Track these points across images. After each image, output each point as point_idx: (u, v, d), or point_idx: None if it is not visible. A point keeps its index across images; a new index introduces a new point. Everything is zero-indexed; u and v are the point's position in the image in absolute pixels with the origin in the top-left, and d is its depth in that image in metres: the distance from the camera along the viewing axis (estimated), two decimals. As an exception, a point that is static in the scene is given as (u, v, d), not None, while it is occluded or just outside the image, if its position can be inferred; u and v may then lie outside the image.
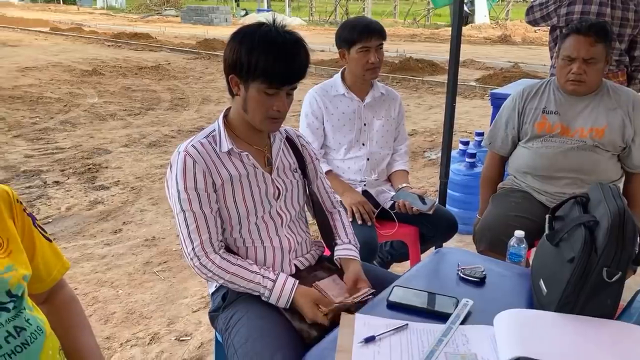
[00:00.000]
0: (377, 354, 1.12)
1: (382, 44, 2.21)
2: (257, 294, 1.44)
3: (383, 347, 1.14)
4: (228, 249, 1.50)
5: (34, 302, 1.14)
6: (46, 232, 1.22)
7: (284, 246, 1.55)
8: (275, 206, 1.54)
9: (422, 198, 2.19)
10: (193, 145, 1.45)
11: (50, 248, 1.21)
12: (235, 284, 1.44)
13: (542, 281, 1.25)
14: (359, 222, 2.14)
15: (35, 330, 1.04)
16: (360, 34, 2.15)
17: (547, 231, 1.28)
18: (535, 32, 19.07)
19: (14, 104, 7.44)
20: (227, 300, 1.50)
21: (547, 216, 1.33)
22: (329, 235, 1.69)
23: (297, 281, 1.45)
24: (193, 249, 1.43)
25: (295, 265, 1.56)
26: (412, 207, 2.16)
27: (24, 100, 7.72)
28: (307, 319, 1.40)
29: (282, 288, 1.42)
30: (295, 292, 1.42)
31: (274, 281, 1.43)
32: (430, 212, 2.15)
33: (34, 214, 1.30)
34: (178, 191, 1.42)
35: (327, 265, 1.63)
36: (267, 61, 1.34)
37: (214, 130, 1.50)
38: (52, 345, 1.07)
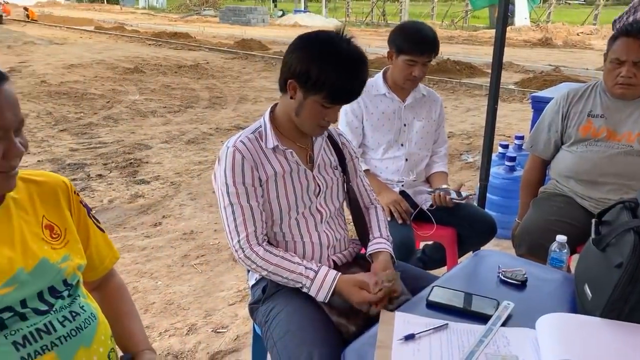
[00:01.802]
0: (417, 351, 1.13)
1: (430, 60, 2.20)
2: (299, 285, 1.45)
3: (423, 346, 1.14)
4: (272, 245, 1.53)
5: (86, 289, 1.20)
6: (99, 223, 1.27)
7: (323, 242, 1.57)
8: (315, 202, 1.56)
9: (458, 192, 2.18)
10: (241, 141, 1.48)
11: (103, 238, 1.27)
12: (278, 275, 1.46)
13: (586, 286, 1.23)
14: (399, 221, 2.15)
15: (89, 317, 1.10)
16: (412, 47, 2.14)
17: (593, 235, 1.26)
18: (577, 35, 18.58)
19: (60, 100, 7.72)
20: (266, 293, 1.53)
21: (593, 220, 1.31)
22: (364, 233, 1.70)
23: (340, 273, 1.46)
24: (239, 241, 1.46)
25: (333, 261, 1.58)
26: (447, 197, 2.14)
27: (70, 96, 8.00)
28: (354, 303, 1.40)
29: (323, 279, 1.44)
30: (338, 282, 1.43)
31: (316, 272, 1.45)
32: (464, 202, 2.16)
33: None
34: (227, 185, 1.46)
35: (363, 264, 1.64)
36: (335, 81, 1.37)
37: (260, 126, 1.54)
38: (104, 331, 1.12)
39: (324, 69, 1.36)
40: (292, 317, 1.42)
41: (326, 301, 1.44)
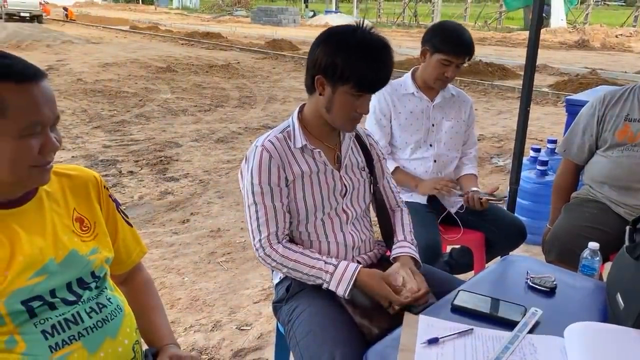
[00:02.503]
0: (440, 355, 1.11)
1: (464, 62, 2.18)
2: (320, 281, 1.45)
3: (447, 350, 1.13)
4: (292, 242, 1.53)
5: (114, 282, 1.22)
6: (128, 217, 1.30)
7: (348, 243, 1.56)
8: (341, 203, 1.56)
9: (491, 194, 2.14)
10: (269, 140, 1.49)
11: (131, 232, 1.29)
12: (297, 271, 1.46)
13: (619, 295, 1.19)
14: (448, 193, 2.17)
15: (115, 309, 1.12)
16: (450, 48, 2.12)
17: (627, 243, 1.22)
18: (616, 37, 18.07)
19: (95, 97, 7.91)
20: (290, 292, 1.53)
21: (627, 227, 1.26)
22: (390, 235, 1.69)
23: (360, 265, 1.45)
24: (260, 240, 1.47)
25: (358, 262, 1.57)
26: (481, 198, 2.11)
27: (104, 93, 8.20)
28: (376, 295, 1.40)
29: (343, 272, 1.43)
30: (359, 274, 1.42)
31: (336, 266, 1.44)
32: (501, 203, 2.14)
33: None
34: (252, 184, 1.47)
35: (388, 266, 1.62)
36: (361, 68, 1.38)
37: (289, 126, 1.54)
38: (129, 323, 1.14)
39: (350, 57, 1.37)
40: (315, 317, 1.42)
41: (347, 295, 1.42)
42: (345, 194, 1.56)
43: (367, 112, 1.49)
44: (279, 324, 1.69)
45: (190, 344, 2.31)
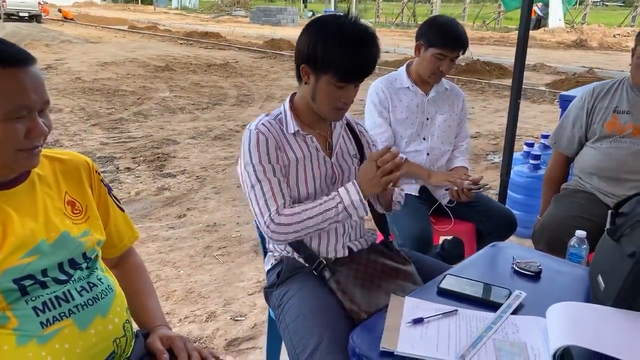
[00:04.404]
0: (424, 335, 1.13)
1: (459, 56, 2.20)
2: (338, 220, 1.43)
3: (431, 329, 1.15)
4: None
5: (106, 265, 1.24)
6: (120, 202, 1.32)
7: (338, 230, 1.58)
8: (332, 190, 1.58)
9: (475, 184, 2.16)
10: (263, 124, 1.50)
11: (123, 217, 1.31)
12: (313, 221, 1.43)
13: (600, 276, 1.21)
14: (460, 187, 2.15)
15: (106, 289, 1.14)
16: (443, 42, 2.14)
17: (608, 226, 1.25)
18: (614, 37, 18.11)
19: (93, 96, 7.93)
20: (280, 278, 1.55)
21: (609, 212, 1.29)
22: (381, 222, 1.71)
23: (354, 181, 1.44)
24: (270, 215, 1.44)
25: (349, 247, 1.60)
26: (464, 189, 2.13)
27: (102, 92, 8.22)
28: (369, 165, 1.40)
29: (347, 194, 1.42)
30: (357, 183, 1.42)
31: (337, 194, 1.43)
32: (482, 191, 2.17)
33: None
34: (252, 164, 1.46)
35: (380, 249, 1.62)
36: (341, 58, 1.38)
37: (280, 113, 1.56)
38: (120, 303, 1.17)
39: (328, 47, 1.38)
40: (305, 301, 1.44)
41: (368, 212, 1.44)
42: (335, 181, 1.58)
43: (351, 101, 1.48)
44: (270, 311, 1.72)
45: (184, 334, 2.32)
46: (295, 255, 1.57)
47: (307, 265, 1.54)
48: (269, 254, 1.67)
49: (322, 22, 1.44)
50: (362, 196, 1.42)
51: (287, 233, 1.45)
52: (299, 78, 1.51)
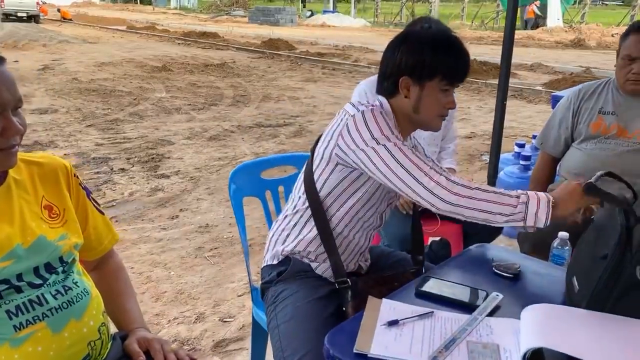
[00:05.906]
0: (399, 336, 1.14)
1: None
2: (508, 216, 1.34)
3: (405, 331, 1.16)
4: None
5: (85, 268, 1.25)
6: (99, 205, 1.33)
7: (360, 244, 1.56)
8: (385, 208, 1.56)
9: None
10: (373, 106, 1.44)
11: (103, 220, 1.32)
12: (488, 203, 1.34)
13: (574, 278, 1.22)
14: None
15: (82, 292, 1.15)
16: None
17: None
18: (612, 36, 18.12)
19: (90, 96, 7.94)
20: (283, 276, 1.50)
21: (598, 174, 1.32)
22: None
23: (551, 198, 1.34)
24: (441, 176, 1.32)
25: (359, 265, 1.59)
26: None
27: (99, 92, 8.22)
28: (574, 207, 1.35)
29: (537, 200, 1.32)
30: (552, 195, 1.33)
31: (526, 194, 1.34)
32: None
33: (100, 198, 1.41)
34: (384, 137, 1.35)
35: (380, 277, 1.55)
36: (448, 60, 1.39)
37: (382, 110, 1.45)
38: (96, 306, 1.17)
39: (436, 52, 1.38)
40: (300, 305, 1.41)
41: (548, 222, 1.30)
42: (391, 198, 1.55)
43: (454, 106, 1.46)
44: (255, 312, 1.72)
45: (173, 335, 2.34)
46: (309, 259, 1.50)
47: (321, 275, 1.49)
48: (274, 250, 1.56)
49: (418, 32, 1.44)
50: (550, 209, 1.32)
51: (462, 197, 1.31)
52: (393, 92, 1.45)
